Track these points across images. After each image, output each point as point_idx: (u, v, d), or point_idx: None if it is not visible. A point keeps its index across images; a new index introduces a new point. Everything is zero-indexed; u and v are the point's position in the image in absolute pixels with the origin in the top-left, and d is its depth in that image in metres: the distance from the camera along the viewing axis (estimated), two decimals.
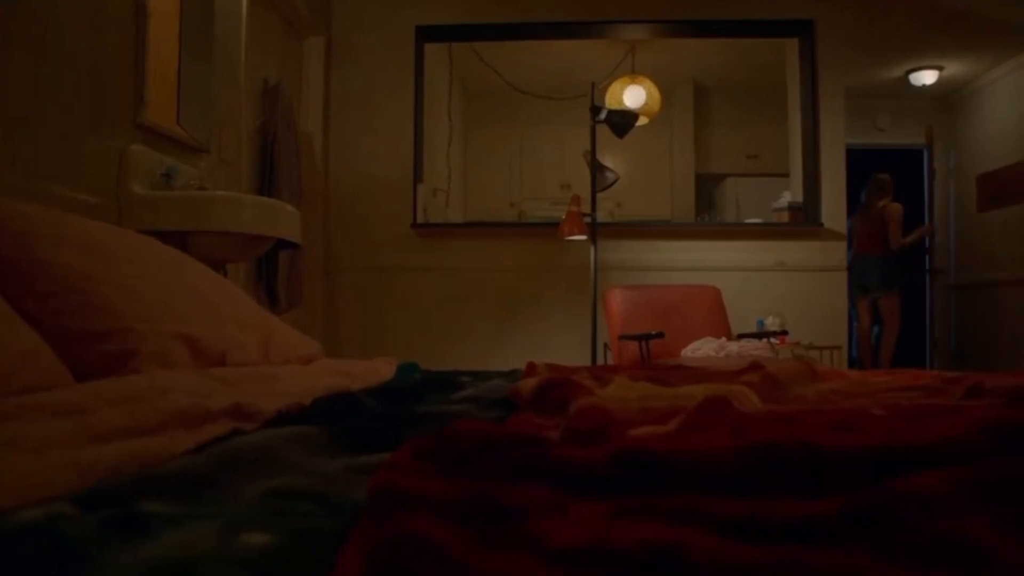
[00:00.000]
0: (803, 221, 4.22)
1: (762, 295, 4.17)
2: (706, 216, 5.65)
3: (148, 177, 2.49)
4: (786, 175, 4.51)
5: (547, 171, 6.15)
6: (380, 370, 1.58)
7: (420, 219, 4.25)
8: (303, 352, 1.70)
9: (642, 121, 5.19)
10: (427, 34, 4.40)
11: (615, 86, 5.08)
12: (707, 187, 6.16)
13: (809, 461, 0.59)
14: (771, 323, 3.96)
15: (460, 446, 0.62)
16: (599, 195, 5.93)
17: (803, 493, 0.54)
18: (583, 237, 3.58)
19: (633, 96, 5.02)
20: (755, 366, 1.43)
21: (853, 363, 5.84)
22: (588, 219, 3.66)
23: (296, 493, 0.61)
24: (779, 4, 4.36)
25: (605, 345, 3.93)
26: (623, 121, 3.50)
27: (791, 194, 4.33)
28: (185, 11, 2.68)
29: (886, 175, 5.38)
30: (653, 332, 3.37)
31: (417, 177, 4.29)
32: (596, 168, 3.58)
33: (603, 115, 3.52)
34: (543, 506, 0.50)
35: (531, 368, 1.55)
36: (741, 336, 3.83)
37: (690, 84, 6.04)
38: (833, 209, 4.23)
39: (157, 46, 2.54)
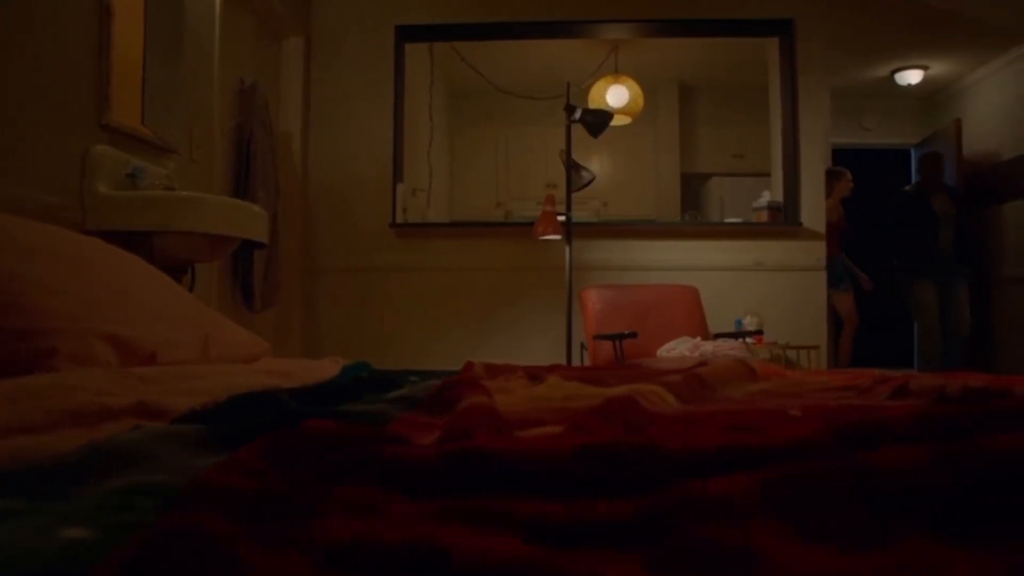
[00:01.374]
0: (782, 221, 4.22)
1: (741, 295, 4.17)
2: (688, 216, 5.65)
3: (113, 177, 2.50)
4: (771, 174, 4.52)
5: (533, 171, 6.16)
6: (323, 369, 1.58)
7: (399, 219, 4.25)
8: (249, 352, 1.70)
9: (624, 121, 5.20)
10: (407, 34, 4.41)
11: (598, 86, 5.08)
12: (693, 187, 6.16)
13: (645, 462, 0.59)
14: (749, 323, 3.96)
15: (303, 444, 0.62)
16: (584, 195, 5.94)
17: (628, 495, 0.54)
18: (557, 237, 3.59)
19: (616, 96, 5.02)
20: (693, 367, 1.43)
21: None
22: (564, 218, 3.66)
23: (144, 489, 0.62)
24: (759, 4, 4.36)
25: (582, 344, 3.93)
26: (597, 121, 3.50)
27: (771, 194, 4.33)
28: (150, 11, 2.69)
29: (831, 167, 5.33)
30: (626, 332, 3.37)
31: (397, 177, 4.30)
32: (572, 168, 3.58)
33: (577, 115, 3.52)
34: (355, 505, 0.50)
35: (468, 367, 1.55)
36: (718, 336, 3.84)
37: (675, 84, 6.04)
38: (813, 209, 4.23)
39: (122, 46, 2.55)
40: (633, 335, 3.36)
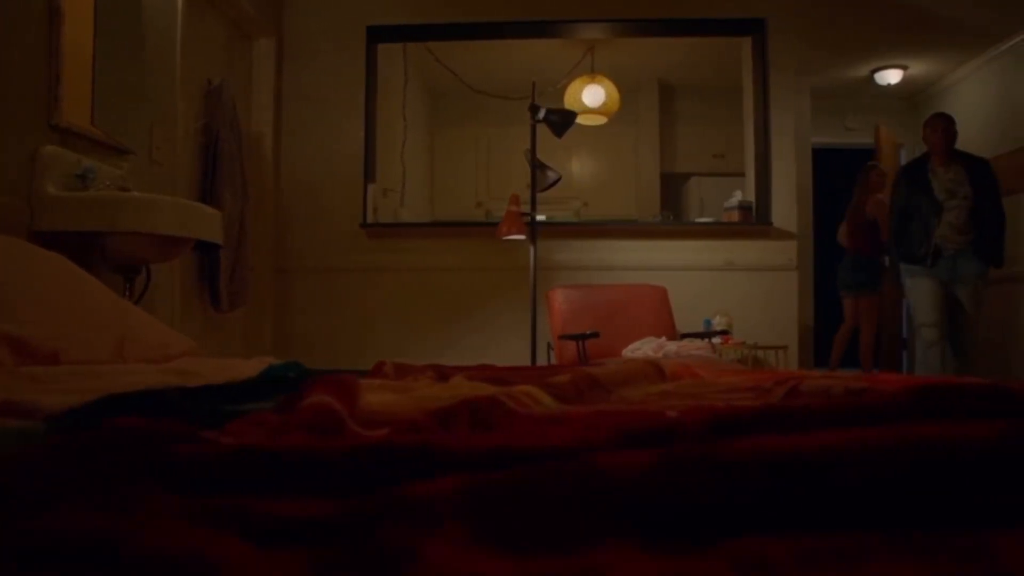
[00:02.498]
0: (754, 220, 4.22)
1: (712, 295, 4.17)
2: (665, 216, 5.64)
3: (63, 178, 2.50)
4: None
5: (513, 171, 6.13)
6: (239, 369, 1.58)
7: (371, 219, 4.25)
8: (172, 351, 1.70)
9: (600, 120, 5.20)
10: (379, 35, 4.41)
11: (574, 85, 5.08)
12: (674, 186, 6.15)
13: (420, 461, 0.59)
14: (718, 323, 3.96)
15: (100, 441, 0.62)
16: (564, 194, 5.93)
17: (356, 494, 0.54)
18: (521, 237, 3.59)
19: (592, 95, 5.02)
20: (588, 367, 1.43)
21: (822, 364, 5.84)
22: (528, 218, 3.66)
23: None
24: (733, 3, 4.35)
25: (548, 345, 3.92)
26: (561, 121, 3.50)
27: (743, 193, 4.33)
28: (103, 13, 2.69)
29: (874, 163, 5.31)
30: (588, 332, 3.37)
31: (368, 177, 4.30)
32: (536, 167, 3.58)
33: (541, 114, 3.52)
34: (109, 503, 0.51)
35: (378, 367, 1.55)
36: (685, 336, 3.84)
37: (655, 83, 6.03)
38: (784, 209, 4.22)
39: (73, 47, 2.55)
40: (595, 335, 3.35)
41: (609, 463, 0.49)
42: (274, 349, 4.27)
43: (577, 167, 6.28)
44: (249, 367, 1.68)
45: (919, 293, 3.99)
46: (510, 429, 0.88)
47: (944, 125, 4.02)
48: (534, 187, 3.62)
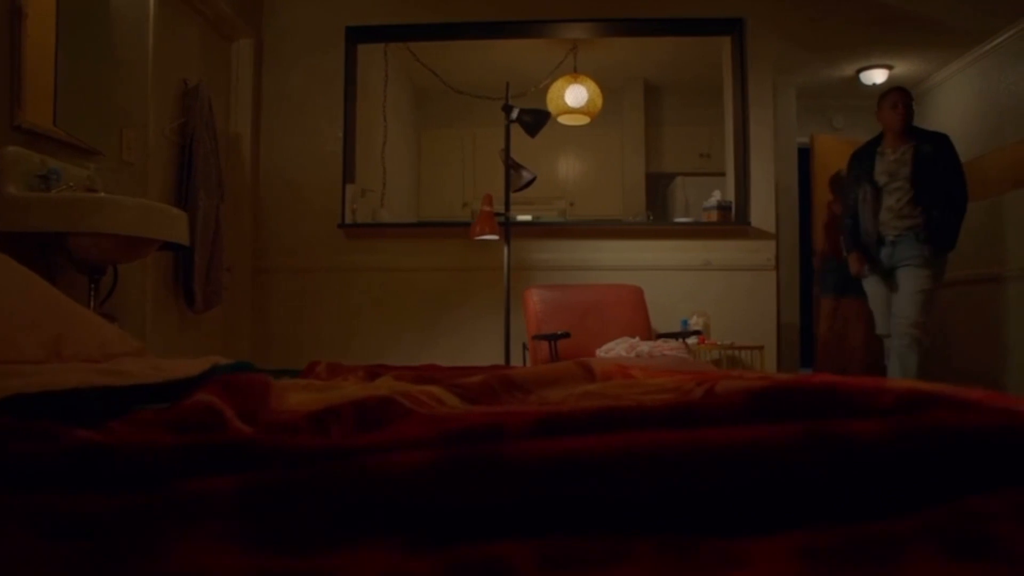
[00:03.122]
0: (732, 220, 4.21)
1: (690, 295, 4.16)
2: (648, 216, 5.64)
3: (26, 179, 2.51)
4: None
5: (499, 171, 6.13)
6: (179, 369, 1.58)
7: (349, 219, 4.26)
8: (114, 350, 1.71)
9: (583, 120, 5.20)
10: (359, 35, 4.41)
11: (557, 85, 5.08)
12: (660, 186, 6.14)
13: (234, 457, 0.59)
14: (694, 323, 3.95)
15: None
16: (550, 194, 5.93)
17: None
18: (495, 237, 3.59)
19: (574, 95, 5.02)
20: (502, 368, 1.43)
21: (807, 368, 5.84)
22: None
23: None
24: (713, 3, 4.35)
25: (524, 345, 3.93)
26: (534, 121, 3.50)
27: (721, 193, 4.32)
28: (65, 12, 2.70)
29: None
30: (559, 332, 3.37)
31: (347, 177, 4.31)
32: (511, 167, 3.58)
33: (515, 114, 3.53)
34: None
35: (311, 367, 1.56)
36: (660, 336, 3.84)
37: (640, 83, 6.03)
38: (763, 208, 4.22)
39: (36, 48, 2.56)
40: (565, 335, 3.36)
41: (378, 463, 0.50)
42: (253, 349, 4.28)
43: (563, 167, 6.28)
44: (191, 367, 1.68)
45: (872, 300, 3.80)
46: (395, 428, 0.88)
47: (905, 101, 3.74)
48: (508, 187, 3.63)
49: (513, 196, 6.26)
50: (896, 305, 3.65)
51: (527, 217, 5.74)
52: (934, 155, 3.66)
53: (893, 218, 3.62)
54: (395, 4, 4.45)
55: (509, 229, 3.62)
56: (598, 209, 5.95)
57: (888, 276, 3.71)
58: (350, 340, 4.28)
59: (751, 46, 4.28)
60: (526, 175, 3.60)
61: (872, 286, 3.76)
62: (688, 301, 4.13)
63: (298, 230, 4.33)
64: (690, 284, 4.19)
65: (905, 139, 3.72)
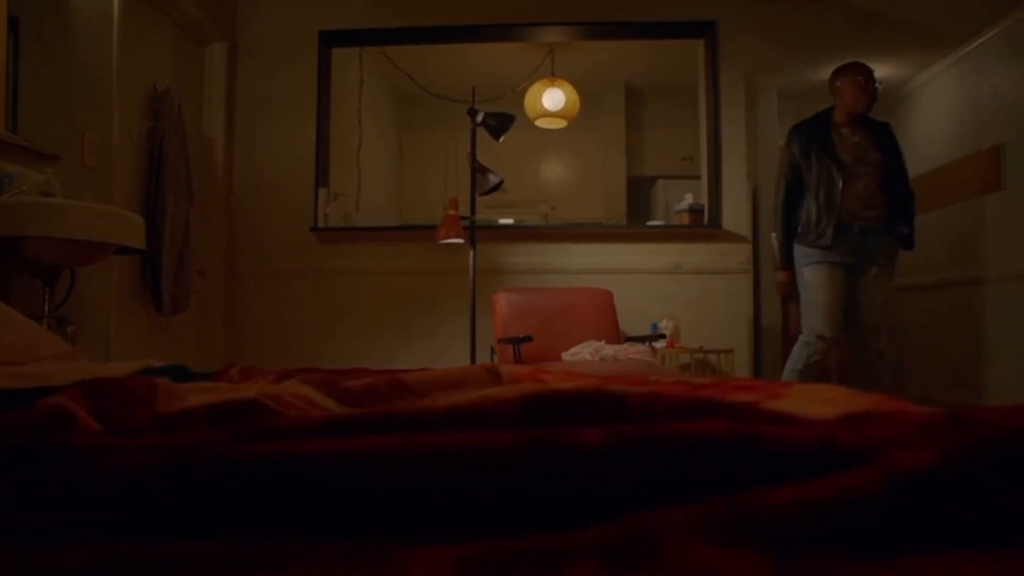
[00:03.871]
0: (704, 223, 4.21)
1: (663, 298, 4.16)
2: (630, 219, 5.63)
3: None
4: None
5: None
6: (93, 372, 1.59)
7: (321, 223, 4.26)
8: (41, 353, 1.71)
9: (560, 124, 5.20)
10: (332, 39, 4.42)
11: (534, 89, 5.08)
12: (642, 190, 6.14)
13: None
14: (665, 326, 3.95)
15: None
16: (532, 198, 5.91)
17: None
18: (460, 241, 3.59)
19: (552, 99, 5.02)
20: (397, 372, 1.43)
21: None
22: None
23: None
24: (688, 5, 4.34)
25: (492, 348, 3.92)
26: (499, 124, 3.50)
27: (694, 196, 4.32)
28: (19, 16, 2.71)
29: None
30: (521, 336, 3.37)
31: (319, 181, 4.31)
32: (477, 170, 3.58)
33: (479, 118, 3.53)
34: None
35: (224, 370, 1.56)
36: (628, 339, 3.83)
37: (621, 87, 6.02)
38: (736, 211, 4.21)
39: None
40: (528, 339, 3.35)
41: (112, 461, 0.49)
42: (226, 352, 4.29)
43: (545, 171, 6.28)
44: (119, 370, 1.69)
45: (818, 290, 3.31)
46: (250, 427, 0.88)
47: (872, 80, 3.39)
48: (473, 190, 3.62)
49: (495, 200, 6.27)
50: (862, 308, 3.35)
51: (509, 221, 5.74)
52: (893, 143, 3.43)
53: (862, 207, 3.28)
54: (370, 8, 4.46)
55: (475, 233, 3.62)
56: (580, 213, 5.94)
57: (847, 270, 3.35)
58: (324, 343, 4.28)
59: (723, 48, 4.27)
60: (493, 179, 3.59)
61: (824, 279, 3.29)
62: (660, 304, 4.13)
63: (271, 234, 4.34)
64: (662, 287, 4.18)
65: (859, 122, 3.41)
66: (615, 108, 6.04)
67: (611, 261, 4.24)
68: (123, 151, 3.45)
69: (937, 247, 5.53)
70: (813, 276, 3.32)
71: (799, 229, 3.39)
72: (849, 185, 3.28)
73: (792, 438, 0.49)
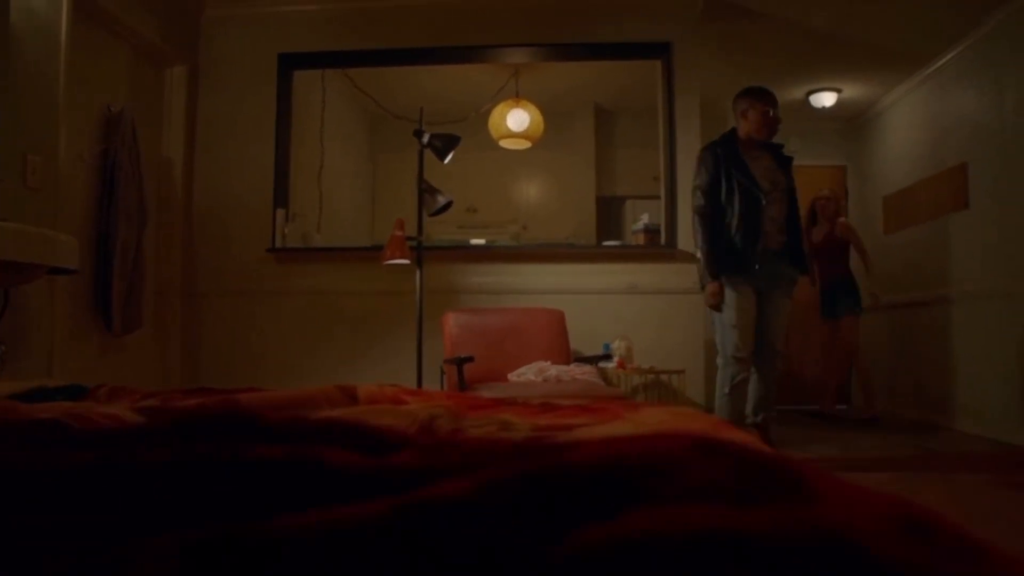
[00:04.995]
0: (660, 243, 4.20)
1: (618, 318, 4.14)
2: (596, 240, 5.63)
3: None
4: None
5: (453, 195, 6.15)
6: None
7: (279, 244, 4.28)
8: None
9: (524, 144, 5.22)
10: (293, 61, 4.47)
11: (499, 109, 5.11)
12: (613, 209, 6.14)
13: None
14: (617, 347, 3.93)
15: None
16: (503, 218, 5.93)
17: None
18: (406, 262, 3.59)
19: (516, 120, 5.05)
20: (227, 393, 1.42)
21: None
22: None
23: None
24: (647, 27, 4.36)
25: (441, 368, 3.91)
26: (444, 145, 3.52)
27: (649, 216, 4.32)
28: None
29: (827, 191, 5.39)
30: (463, 356, 3.36)
31: (277, 202, 4.34)
32: (425, 191, 3.59)
33: (426, 139, 3.55)
34: None
35: (94, 390, 1.56)
36: (577, 360, 3.82)
37: (591, 107, 6.05)
38: (690, 232, 4.19)
39: None
40: (469, 359, 3.35)
41: None
42: (183, 371, 4.30)
43: (516, 191, 6.30)
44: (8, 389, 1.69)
45: (735, 312, 3.36)
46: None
47: (776, 108, 3.48)
48: (421, 211, 3.64)
49: (466, 220, 6.28)
50: (768, 329, 3.46)
51: (480, 241, 5.75)
52: (789, 165, 3.55)
53: (776, 231, 3.40)
54: (333, 30, 4.50)
55: (421, 254, 3.62)
56: (551, 233, 5.95)
57: (758, 293, 3.43)
58: (281, 363, 4.28)
59: (679, 70, 4.29)
60: (441, 199, 3.61)
61: (740, 300, 3.37)
62: (615, 325, 4.11)
63: (230, 254, 4.35)
64: (617, 308, 4.17)
65: (763, 144, 3.51)
66: (585, 128, 6.07)
67: (568, 281, 4.23)
68: (72, 173, 3.48)
69: (905, 267, 5.51)
70: (730, 298, 3.40)
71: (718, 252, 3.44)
72: (767, 210, 3.38)
73: (347, 463, 0.49)
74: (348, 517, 0.43)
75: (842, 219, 5.29)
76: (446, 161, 3.57)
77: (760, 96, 3.50)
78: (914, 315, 5.38)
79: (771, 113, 3.46)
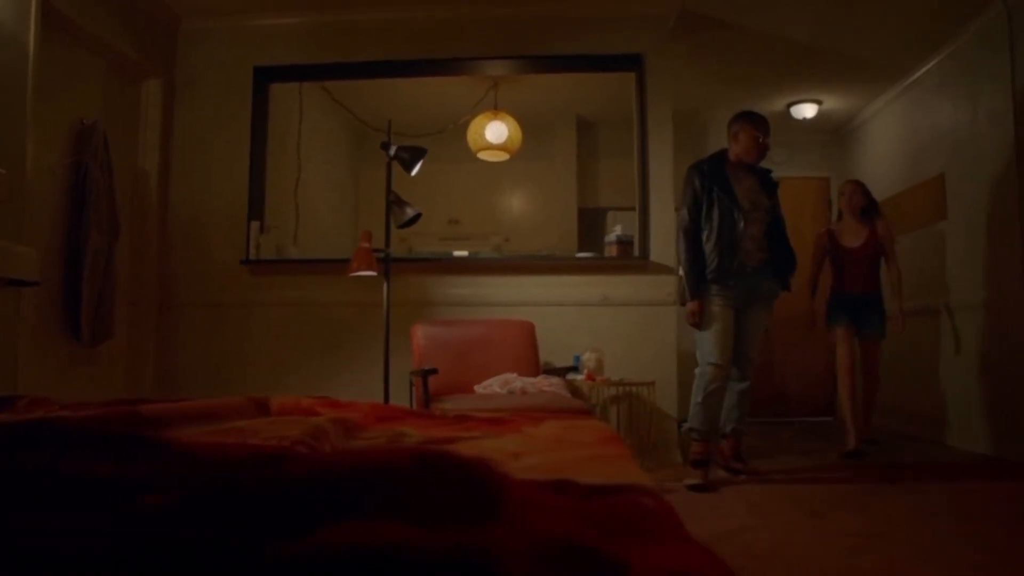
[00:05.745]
0: (633, 255, 4.20)
1: (590, 330, 4.13)
2: (577, 251, 5.63)
3: None
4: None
5: (436, 206, 6.19)
6: None
7: (253, 256, 4.29)
8: None
9: (502, 156, 5.24)
10: (269, 75, 4.49)
11: (477, 122, 5.13)
12: (595, 221, 6.14)
13: None
14: (588, 358, 3.91)
15: None
16: (486, 230, 5.94)
17: None
18: (372, 273, 3.59)
19: (495, 132, 5.06)
20: (128, 406, 1.42)
21: None
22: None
23: None
24: (622, 40, 4.37)
25: (410, 380, 3.90)
26: (411, 157, 3.53)
27: (622, 227, 4.32)
28: None
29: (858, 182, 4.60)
30: (428, 368, 3.36)
31: (252, 214, 4.35)
32: (393, 203, 3.60)
33: (392, 151, 3.56)
34: None
35: (12, 400, 1.57)
36: (547, 372, 3.81)
37: (573, 119, 6.07)
38: (663, 243, 4.19)
39: None
40: (433, 371, 3.34)
41: None
42: (156, 382, 4.30)
43: (499, 203, 6.31)
44: None
45: (713, 321, 3.45)
46: None
47: (767, 134, 3.59)
48: (388, 223, 3.64)
49: (450, 232, 6.30)
50: (745, 341, 3.58)
51: (463, 253, 5.75)
52: (775, 189, 3.66)
53: (756, 249, 3.51)
54: (311, 44, 4.52)
55: (389, 265, 3.63)
56: (534, 244, 5.94)
57: (737, 307, 3.52)
58: (254, 374, 4.28)
59: (651, 82, 4.30)
60: (409, 211, 3.62)
61: (718, 312, 3.46)
62: (588, 336, 4.10)
63: (205, 265, 4.36)
64: (590, 319, 4.16)
65: (749, 166, 3.62)
66: (567, 140, 6.08)
67: (542, 293, 4.23)
68: (40, 185, 3.49)
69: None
70: (708, 310, 3.50)
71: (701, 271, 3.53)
72: (746, 228, 3.47)
73: (80, 472, 0.49)
74: (69, 521, 0.43)
75: (883, 220, 4.48)
76: (413, 173, 3.58)
77: (753, 121, 3.61)
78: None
79: (761, 139, 3.57)
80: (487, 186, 6.16)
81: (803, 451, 4.61)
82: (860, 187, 4.52)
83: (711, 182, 3.52)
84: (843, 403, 4.39)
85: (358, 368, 4.23)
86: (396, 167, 3.68)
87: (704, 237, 3.50)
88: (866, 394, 4.50)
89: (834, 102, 5.67)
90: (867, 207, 4.47)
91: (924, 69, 4.99)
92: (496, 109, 5.16)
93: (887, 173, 5.57)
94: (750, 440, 5.03)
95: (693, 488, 3.34)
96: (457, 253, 5.64)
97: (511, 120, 5.09)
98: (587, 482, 0.80)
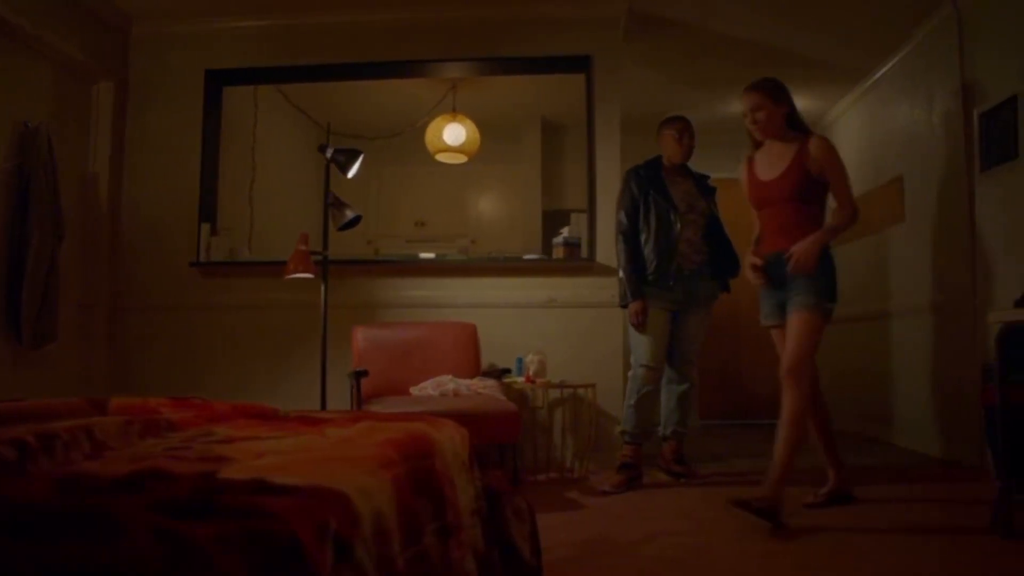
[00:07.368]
0: (579, 257, 4.19)
1: (535, 332, 4.12)
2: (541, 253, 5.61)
3: None
4: None
5: (402, 209, 6.20)
6: None
7: (203, 258, 4.30)
8: None
9: (460, 159, 5.24)
10: (220, 77, 4.50)
11: (435, 124, 5.12)
12: (560, 223, 6.11)
13: None
14: (530, 361, 3.90)
15: None
16: (452, 232, 5.94)
17: None
18: (309, 276, 3.59)
19: (453, 134, 5.06)
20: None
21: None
22: (319, 257, 3.67)
23: None
24: (573, 41, 4.37)
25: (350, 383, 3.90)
26: (347, 160, 3.54)
27: (569, 230, 4.31)
28: None
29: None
30: (359, 370, 3.36)
31: (203, 217, 4.36)
32: (333, 205, 3.60)
33: (329, 153, 3.57)
34: None
35: None
36: (484, 374, 3.81)
37: (538, 121, 6.06)
38: (610, 245, 4.18)
39: None
40: (364, 373, 3.34)
41: None
42: (107, 385, 4.31)
43: (465, 205, 6.31)
44: None
45: (648, 325, 3.47)
46: None
47: (691, 133, 3.64)
48: (326, 225, 3.65)
49: (415, 234, 6.30)
50: (685, 343, 3.64)
51: (430, 255, 5.75)
52: (712, 194, 3.72)
53: (692, 251, 3.55)
54: (265, 47, 4.53)
55: (327, 267, 3.63)
56: (499, 246, 5.92)
57: (673, 310, 3.57)
58: (206, 376, 4.28)
59: (600, 84, 4.30)
60: (349, 213, 3.62)
61: (654, 315, 3.48)
62: (534, 338, 4.09)
63: (157, 268, 4.38)
64: (535, 321, 4.16)
65: (686, 171, 3.70)
66: (532, 143, 6.07)
67: (488, 295, 4.22)
68: None
69: (846, 282, 5.44)
70: (650, 315, 3.53)
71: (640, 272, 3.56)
72: (683, 230, 3.51)
73: None
74: None
75: (819, 137, 3.15)
76: (350, 175, 3.58)
77: (670, 122, 3.68)
78: (856, 330, 5.32)
79: (678, 138, 3.62)
80: (454, 188, 6.16)
81: (758, 454, 4.58)
82: (772, 87, 3.17)
83: (648, 185, 3.57)
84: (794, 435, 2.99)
85: (309, 370, 4.22)
86: (336, 174, 3.68)
87: (642, 240, 3.55)
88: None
89: (798, 104, 5.61)
90: (791, 114, 3.15)
91: (883, 71, 4.97)
92: (455, 111, 5.16)
93: (852, 175, 5.51)
94: (708, 443, 5.02)
95: (605, 493, 3.33)
96: (424, 255, 5.64)
97: (469, 122, 5.08)
98: (278, 482, 0.81)
